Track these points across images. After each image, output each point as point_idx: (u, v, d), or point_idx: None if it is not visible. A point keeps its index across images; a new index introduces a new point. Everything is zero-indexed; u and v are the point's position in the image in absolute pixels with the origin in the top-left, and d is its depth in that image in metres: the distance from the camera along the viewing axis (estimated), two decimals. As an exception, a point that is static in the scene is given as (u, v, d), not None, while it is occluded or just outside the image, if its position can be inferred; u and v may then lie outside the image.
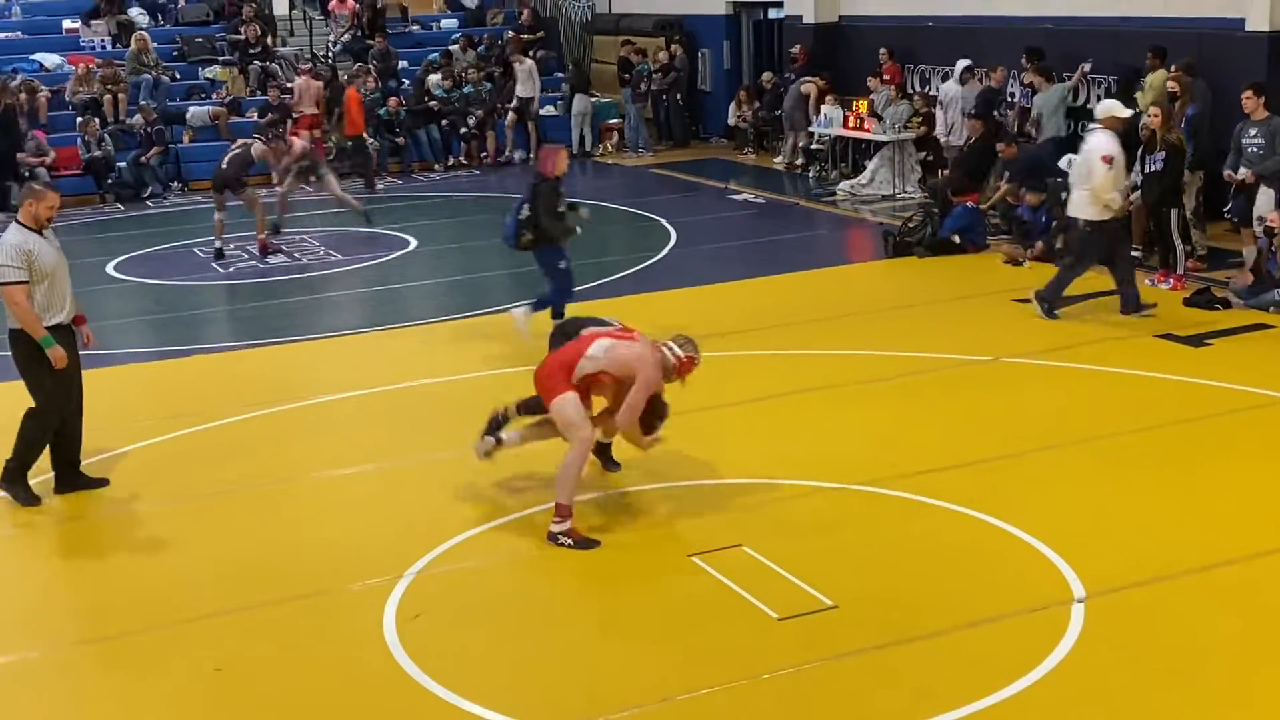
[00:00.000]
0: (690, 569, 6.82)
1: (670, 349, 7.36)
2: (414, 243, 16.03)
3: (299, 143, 16.32)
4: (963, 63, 16.61)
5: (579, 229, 11.24)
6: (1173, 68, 13.53)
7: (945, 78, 18.11)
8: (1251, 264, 11.56)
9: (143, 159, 20.38)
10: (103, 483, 8.47)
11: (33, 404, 8.15)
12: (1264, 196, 11.60)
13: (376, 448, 8.96)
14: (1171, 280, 11.88)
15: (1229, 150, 12.25)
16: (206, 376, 10.91)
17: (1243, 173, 11.90)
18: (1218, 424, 8.63)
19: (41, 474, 8.37)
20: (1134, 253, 12.78)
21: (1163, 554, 6.76)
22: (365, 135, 20.49)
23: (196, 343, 12.14)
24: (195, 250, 16.01)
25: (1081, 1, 15.85)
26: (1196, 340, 10.42)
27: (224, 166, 15.31)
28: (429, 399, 10.02)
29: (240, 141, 16.09)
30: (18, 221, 8.06)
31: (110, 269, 15.32)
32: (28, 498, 8.16)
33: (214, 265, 15.21)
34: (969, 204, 14.06)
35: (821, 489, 7.77)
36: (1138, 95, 13.93)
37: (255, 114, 21.48)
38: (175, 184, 20.77)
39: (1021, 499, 7.50)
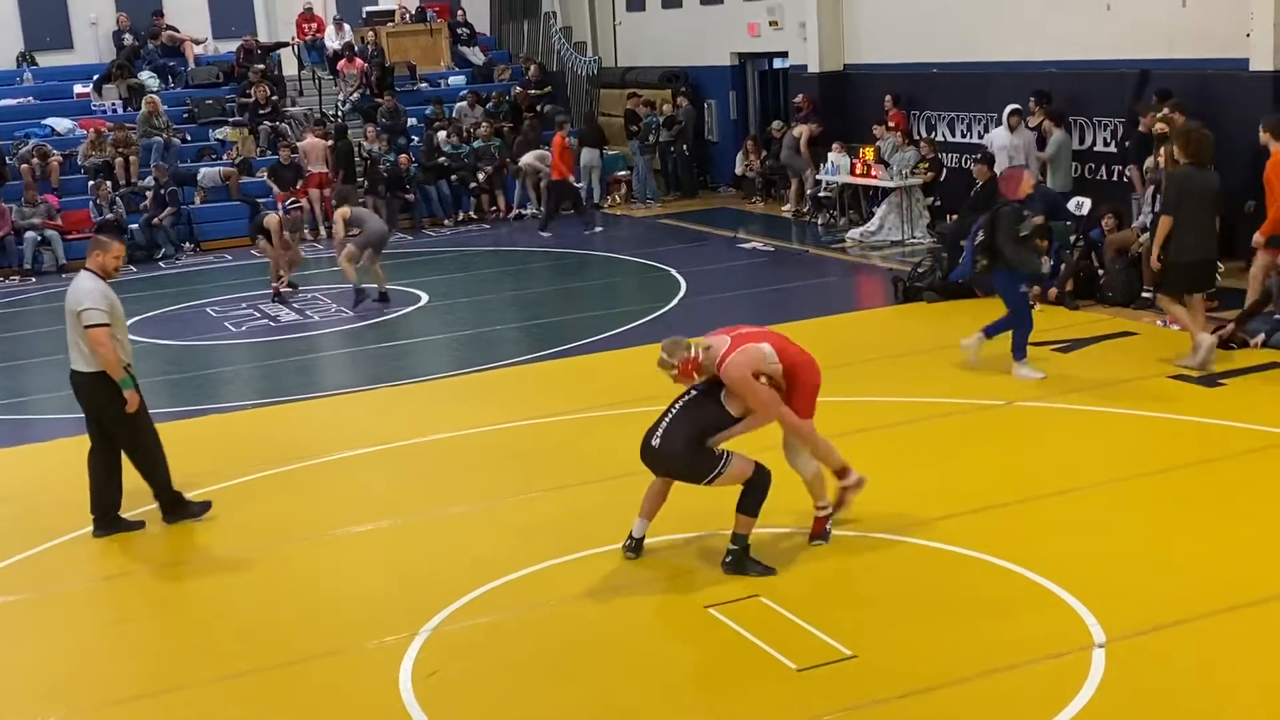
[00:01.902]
0: (707, 621, 6.78)
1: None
2: (425, 298, 16.10)
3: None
4: (1010, 107, 15.98)
5: (1040, 262, 10.95)
6: (1164, 110, 13.59)
7: (951, 124, 18.22)
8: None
9: (155, 220, 20.53)
10: (139, 525, 8.72)
11: (133, 455, 8.61)
12: None
13: (390, 504, 8.95)
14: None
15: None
16: (220, 436, 10.92)
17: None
18: (1235, 464, 8.58)
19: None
20: (1145, 294, 12.81)
21: (1184, 597, 6.70)
22: (569, 180, 20.65)
23: (210, 402, 12.16)
24: (208, 310, 16.09)
25: (1085, 45, 15.93)
26: (1210, 380, 10.38)
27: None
28: (442, 454, 10.02)
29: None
30: (89, 270, 8.49)
31: (123, 330, 15.39)
32: (199, 509, 8.77)
33: (227, 324, 15.29)
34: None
35: (837, 537, 7.73)
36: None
37: (265, 174, 21.68)
38: (187, 245, 20.93)
39: (1039, 543, 7.46)
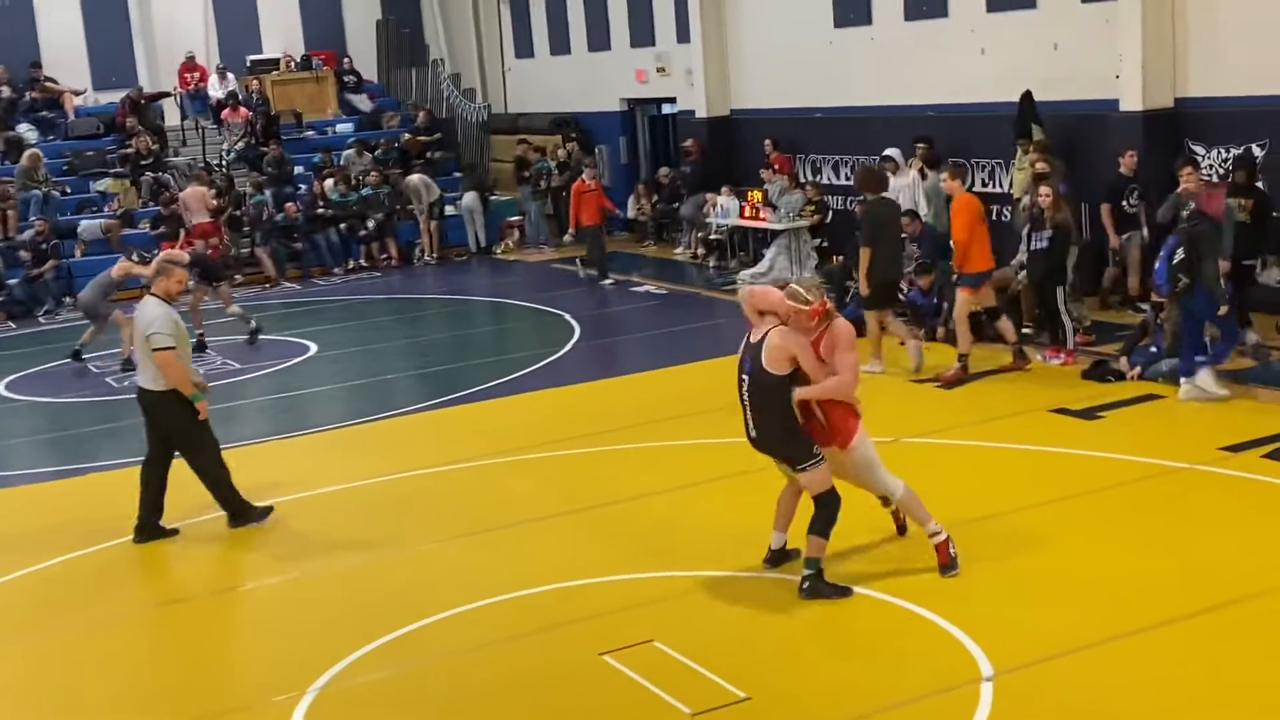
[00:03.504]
0: (602, 669, 6.75)
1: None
2: (314, 348, 15.91)
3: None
4: (889, 152, 16.27)
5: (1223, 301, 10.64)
6: (1030, 149, 13.99)
7: (836, 167, 18.55)
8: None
9: (35, 275, 20.05)
10: (174, 532, 9.33)
11: (196, 462, 9.27)
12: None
13: (281, 559, 8.81)
14: (1063, 355, 12.15)
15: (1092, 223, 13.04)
16: (104, 495, 10.64)
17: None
18: (1113, 496, 8.79)
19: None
20: (1025, 330, 13.11)
21: (1069, 628, 6.82)
22: (583, 226, 19.46)
23: (93, 460, 11.87)
24: (90, 366, 15.71)
25: (962, 88, 16.33)
26: (1089, 413, 10.64)
27: (83, 293, 15.61)
28: (334, 507, 9.88)
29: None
30: (153, 295, 9.10)
31: (1, 389, 14.99)
32: (261, 514, 9.36)
33: (109, 380, 14.96)
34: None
35: (730, 578, 7.77)
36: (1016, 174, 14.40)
37: (148, 225, 21.31)
38: (68, 299, 20.42)
39: (926, 579, 7.54)
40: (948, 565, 7.54)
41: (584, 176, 19.61)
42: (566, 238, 20.31)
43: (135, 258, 16.30)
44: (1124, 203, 13.71)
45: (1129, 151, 13.68)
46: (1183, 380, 10.71)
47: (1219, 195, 10.96)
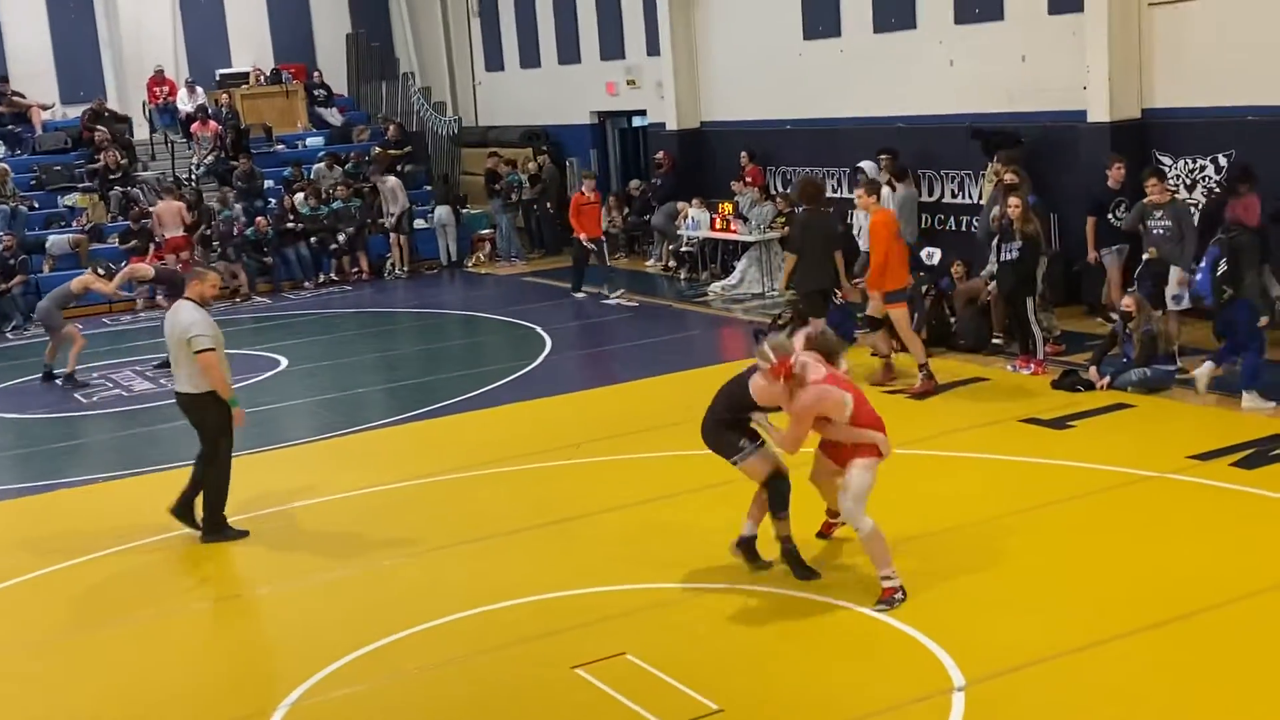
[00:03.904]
0: (575, 682, 6.73)
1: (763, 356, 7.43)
2: (285, 362, 15.83)
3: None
4: (861, 164, 16.24)
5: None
6: (996, 158, 14.09)
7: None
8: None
9: (3, 290, 19.88)
10: (244, 534, 9.39)
11: (208, 471, 9.30)
12: (1174, 276, 12.04)
13: (249, 575, 8.77)
14: (1033, 365, 12.21)
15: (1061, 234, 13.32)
16: (72, 511, 10.57)
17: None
18: (1084, 505, 8.83)
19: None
20: (995, 340, 13.18)
21: (1039, 637, 6.85)
22: (583, 237, 18.82)
23: (61, 476, 11.77)
24: (57, 381, 15.58)
25: (931, 100, 16.42)
26: (1060, 423, 10.69)
27: (41, 303, 15.76)
28: (304, 521, 9.82)
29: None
30: (189, 300, 9.21)
31: (-32, 405, 14.86)
32: (236, 534, 9.32)
33: (76, 396, 14.85)
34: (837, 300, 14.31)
35: (702, 590, 7.77)
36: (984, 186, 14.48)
37: (117, 240, 21.19)
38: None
39: (899, 590, 7.57)
40: (884, 603, 7.31)
41: (583, 189, 19.38)
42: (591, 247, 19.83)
43: (101, 270, 16.24)
44: (1110, 215, 13.40)
45: (1117, 164, 13.40)
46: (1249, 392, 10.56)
47: (1254, 204, 10.93)
